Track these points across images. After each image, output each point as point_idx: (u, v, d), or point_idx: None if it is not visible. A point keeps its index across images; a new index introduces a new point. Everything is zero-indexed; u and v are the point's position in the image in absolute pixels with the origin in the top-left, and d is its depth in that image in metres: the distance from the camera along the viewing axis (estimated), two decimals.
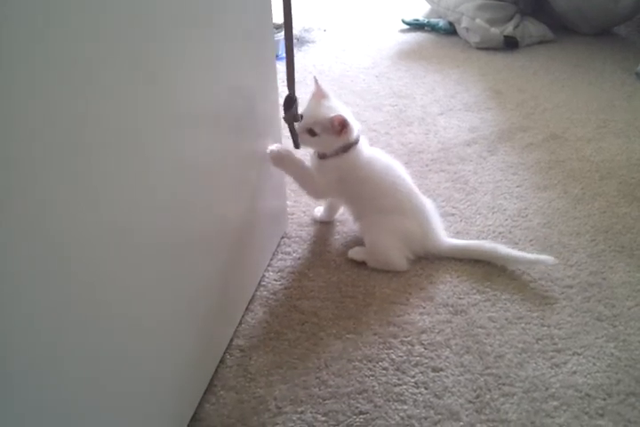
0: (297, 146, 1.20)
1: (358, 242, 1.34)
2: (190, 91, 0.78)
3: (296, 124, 1.18)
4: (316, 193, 1.30)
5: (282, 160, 1.20)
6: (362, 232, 1.32)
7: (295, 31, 2.71)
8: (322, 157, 1.23)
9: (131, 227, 0.66)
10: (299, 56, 2.49)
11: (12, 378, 0.50)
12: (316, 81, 1.22)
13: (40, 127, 0.48)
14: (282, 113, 1.14)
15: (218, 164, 0.92)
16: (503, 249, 1.25)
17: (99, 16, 0.54)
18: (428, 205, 1.31)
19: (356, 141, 1.22)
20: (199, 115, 0.82)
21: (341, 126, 1.16)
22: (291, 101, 1.13)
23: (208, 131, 0.86)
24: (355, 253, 1.30)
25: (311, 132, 1.18)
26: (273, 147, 1.19)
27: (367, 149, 1.26)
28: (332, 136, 1.17)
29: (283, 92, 1.14)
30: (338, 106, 1.21)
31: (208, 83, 0.84)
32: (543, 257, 1.23)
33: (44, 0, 0.46)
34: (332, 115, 1.15)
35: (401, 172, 1.28)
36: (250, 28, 1.00)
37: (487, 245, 1.28)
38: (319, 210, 1.44)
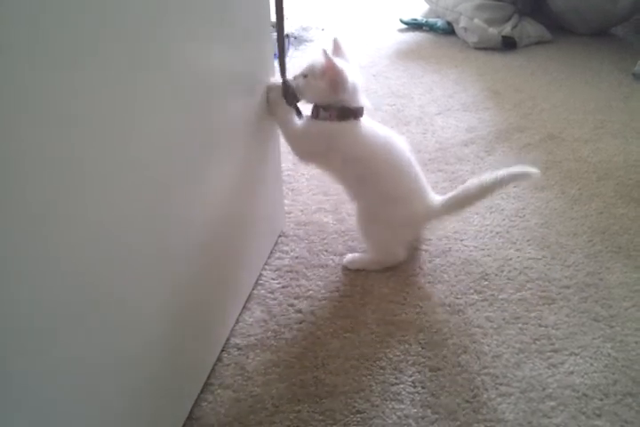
0: (290, 103, 1.13)
1: (356, 241, 1.34)
2: (188, 89, 0.78)
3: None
4: (300, 154, 1.19)
5: (275, 100, 1.13)
6: (358, 224, 1.26)
7: (293, 30, 2.71)
8: (314, 115, 1.13)
9: (126, 226, 0.66)
10: (297, 55, 2.49)
11: (10, 378, 0.50)
12: (335, 40, 1.16)
13: (31, 124, 0.48)
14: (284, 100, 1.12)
15: (215, 162, 0.92)
16: (487, 178, 1.16)
17: (99, 15, 0.54)
18: (421, 174, 1.23)
19: (356, 113, 1.13)
20: (198, 114, 0.82)
21: (331, 74, 1.07)
22: (287, 87, 1.11)
23: (206, 129, 0.86)
24: (350, 263, 1.28)
25: (304, 75, 1.11)
26: (273, 80, 1.14)
27: (367, 126, 1.15)
28: (320, 82, 1.08)
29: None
30: (354, 70, 1.12)
31: (207, 81, 0.83)
32: (528, 169, 1.14)
33: None
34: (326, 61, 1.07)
35: (402, 147, 1.19)
36: (247, 27, 1.00)
37: (472, 183, 1.19)
38: None
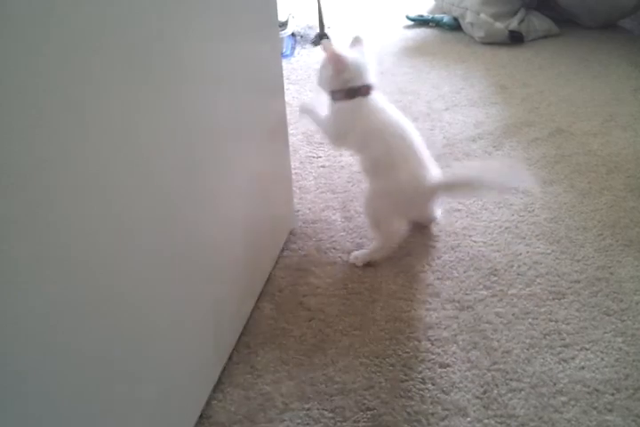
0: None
1: (364, 238, 1.34)
2: (195, 90, 0.78)
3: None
4: (331, 138, 1.32)
5: (307, 109, 1.36)
6: (365, 204, 1.28)
7: (299, 29, 2.71)
8: (333, 98, 1.26)
9: (138, 226, 0.66)
10: (303, 53, 2.49)
11: (19, 378, 0.50)
12: (357, 37, 1.29)
13: (45, 122, 0.48)
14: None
15: (225, 162, 0.92)
16: (487, 176, 1.19)
17: (102, 16, 0.54)
18: (423, 151, 1.24)
19: (362, 91, 1.23)
20: (204, 114, 0.82)
21: (335, 62, 1.20)
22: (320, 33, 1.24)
23: (214, 130, 0.86)
24: (355, 260, 1.28)
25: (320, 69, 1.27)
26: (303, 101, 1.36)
27: (376, 103, 1.25)
28: (329, 70, 1.22)
29: (287, 89, 1.14)
30: (359, 55, 1.24)
31: (215, 82, 0.84)
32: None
33: None
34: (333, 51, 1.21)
35: (405, 124, 1.25)
36: (255, 26, 1.00)
37: (472, 173, 1.22)
38: None
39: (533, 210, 1.44)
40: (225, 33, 0.86)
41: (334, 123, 1.27)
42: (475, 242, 1.33)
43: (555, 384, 1.00)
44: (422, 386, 1.00)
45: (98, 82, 0.55)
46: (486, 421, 0.94)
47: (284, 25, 2.35)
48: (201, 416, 0.95)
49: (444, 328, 1.11)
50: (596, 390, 0.98)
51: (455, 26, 2.71)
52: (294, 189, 1.50)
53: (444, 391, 0.99)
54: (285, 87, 1.17)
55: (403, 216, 1.27)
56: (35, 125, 0.47)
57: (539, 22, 2.57)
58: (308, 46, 2.58)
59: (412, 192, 1.21)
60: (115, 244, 0.62)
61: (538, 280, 1.22)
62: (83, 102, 0.53)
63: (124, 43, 0.59)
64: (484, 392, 0.99)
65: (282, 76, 1.20)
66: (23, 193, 0.47)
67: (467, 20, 2.57)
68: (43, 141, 0.48)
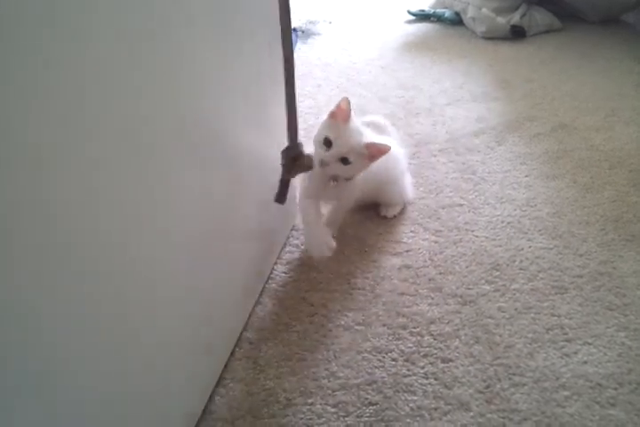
0: (283, 201, 1.13)
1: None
2: (199, 96, 0.77)
3: (324, 152, 1.12)
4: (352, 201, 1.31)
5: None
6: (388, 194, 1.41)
7: (300, 24, 2.71)
8: (335, 180, 1.19)
9: (143, 224, 0.66)
10: (304, 48, 2.48)
11: (27, 378, 0.50)
12: (347, 102, 1.10)
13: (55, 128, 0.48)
14: (281, 165, 1.09)
15: (228, 160, 0.92)
16: None
17: (102, 16, 0.54)
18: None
19: None
20: (208, 116, 0.81)
21: (378, 153, 1.13)
22: (294, 153, 1.07)
23: (218, 132, 0.86)
24: (387, 211, 1.42)
25: (344, 161, 1.12)
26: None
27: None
28: (365, 161, 1.14)
29: None
30: (364, 130, 1.16)
31: (218, 85, 0.83)
32: None
33: None
34: (368, 141, 1.12)
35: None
36: (254, 28, 0.99)
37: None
38: None
39: (536, 205, 1.44)
40: (223, 35, 0.86)
41: (356, 190, 1.25)
42: (477, 237, 1.33)
43: (557, 379, 1.00)
44: (425, 381, 1.00)
45: (100, 84, 0.55)
46: (489, 415, 0.94)
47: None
48: (204, 412, 0.95)
49: (447, 323, 1.11)
50: (599, 385, 0.98)
51: (457, 21, 2.70)
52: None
53: (446, 386, 0.99)
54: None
55: None
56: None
57: (541, 17, 2.57)
58: (309, 41, 2.58)
59: None
60: (117, 241, 0.62)
61: (540, 275, 1.22)
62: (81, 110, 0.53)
63: (124, 33, 0.58)
64: (487, 387, 0.99)
65: (281, 72, 1.19)
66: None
67: (468, 15, 2.57)
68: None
